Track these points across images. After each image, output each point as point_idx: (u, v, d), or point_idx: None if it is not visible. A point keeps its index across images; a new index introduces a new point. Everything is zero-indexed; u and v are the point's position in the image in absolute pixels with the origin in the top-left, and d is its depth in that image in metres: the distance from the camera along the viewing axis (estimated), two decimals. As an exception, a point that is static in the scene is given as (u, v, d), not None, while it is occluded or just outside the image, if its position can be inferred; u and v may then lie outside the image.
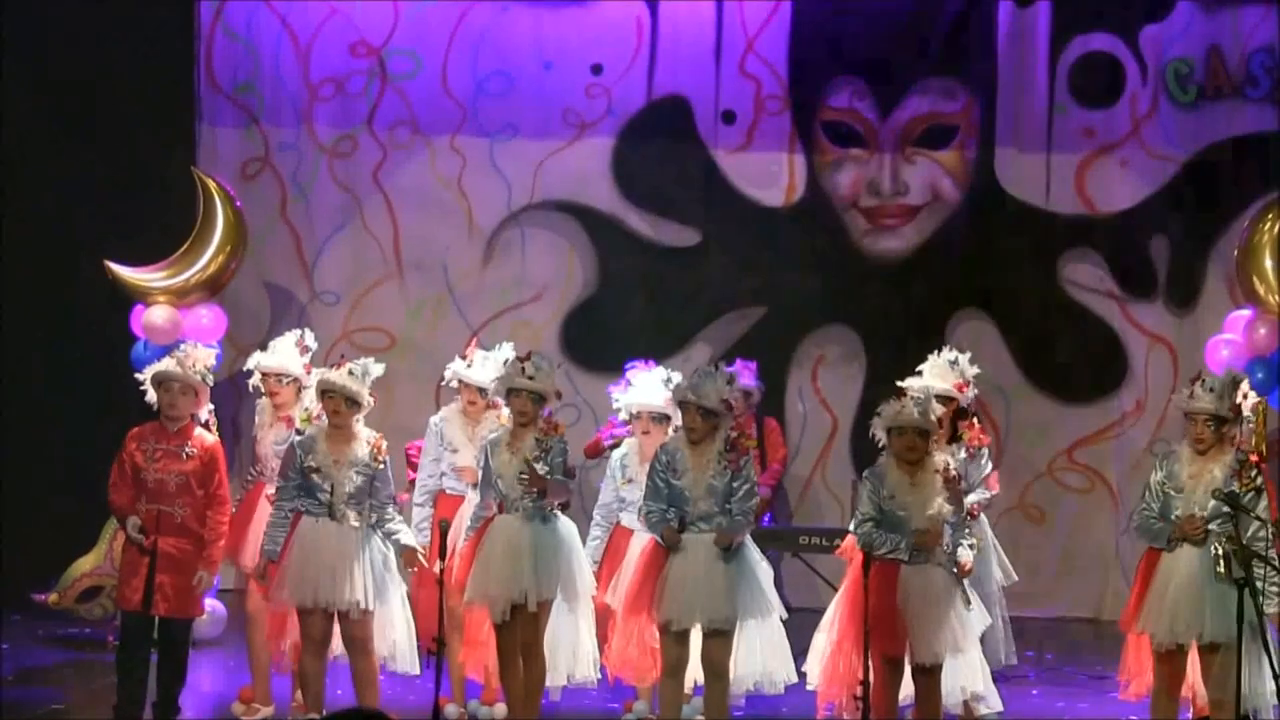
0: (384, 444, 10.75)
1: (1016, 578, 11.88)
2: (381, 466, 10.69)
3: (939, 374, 11.43)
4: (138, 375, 11.04)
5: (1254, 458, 10.20)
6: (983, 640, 10.71)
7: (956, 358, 11.47)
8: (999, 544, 11.82)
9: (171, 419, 10.75)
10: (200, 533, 10.69)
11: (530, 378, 10.58)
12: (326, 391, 10.68)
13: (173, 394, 10.73)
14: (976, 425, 11.61)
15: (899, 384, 11.10)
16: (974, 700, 10.83)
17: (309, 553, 10.60)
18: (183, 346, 11.26)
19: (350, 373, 10.67)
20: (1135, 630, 10.40)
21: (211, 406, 11.22)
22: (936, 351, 11.56)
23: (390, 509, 10.77)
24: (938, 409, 10.57)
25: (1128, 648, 10.57)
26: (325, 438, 10.69)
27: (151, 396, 10.83)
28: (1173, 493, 10.28)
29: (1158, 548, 10.33)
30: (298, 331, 11.55)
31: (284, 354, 11.41)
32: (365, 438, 10.72)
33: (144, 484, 10.65)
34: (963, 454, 11.40)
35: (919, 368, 11.51)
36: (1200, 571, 10.13)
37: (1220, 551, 10.04)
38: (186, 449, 10.71)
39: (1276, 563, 9.90)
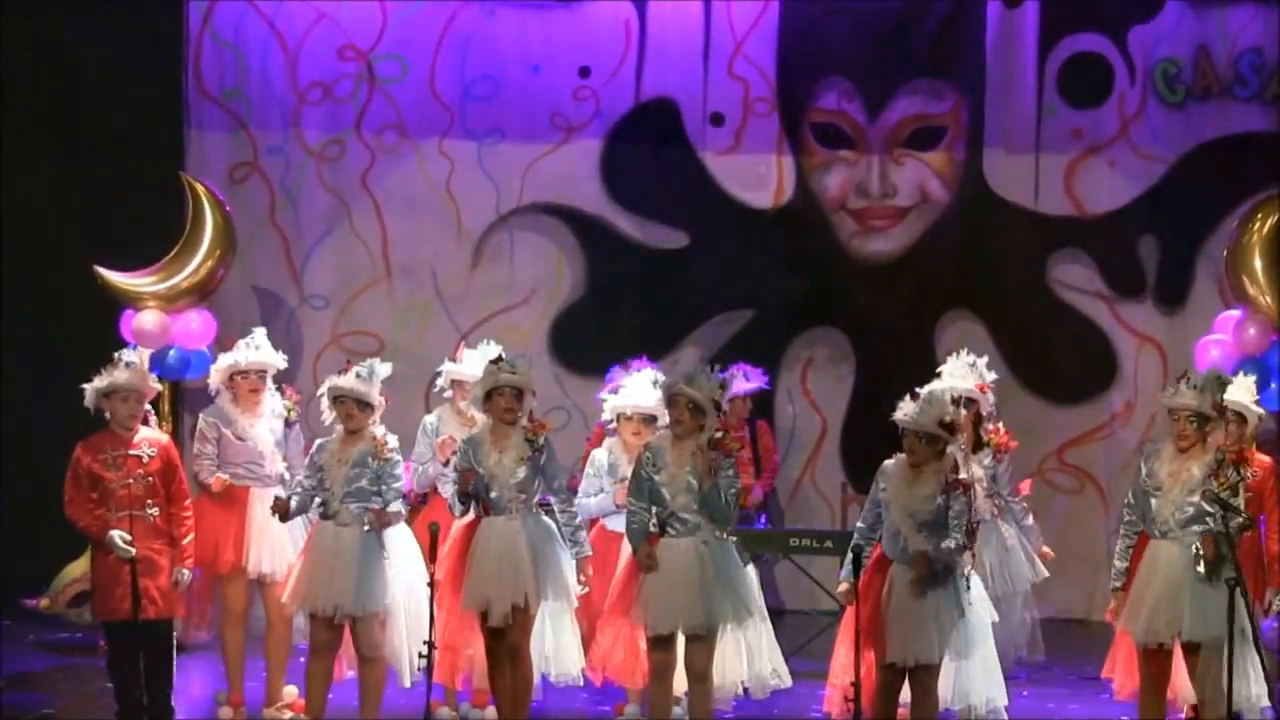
0: (389, 441, 10.74)
1: (1046, 574, 11.91)
2: (385, 464, 10.68)
3: (960, 375, 11.46)
4: (84, 387, 10.70)
5: (1232, 457, 10.15)
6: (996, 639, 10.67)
7: (974, 360, 11.53)
8: (1025, 542, 11.85)
9: (128, 427, 10.72)
10: (169, 531, 10.67)
11: (514, 372, 10.56)
12: (338, 397, 10.71)
13: (131, 404, 10.67)
14: (1003, 429, 11.61)
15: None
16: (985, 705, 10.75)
17: (313, 559, 10.67)
18: (131, 355, 11.09)
19: (358, 376, 10.70)
20: (1119, 627, 10.39)
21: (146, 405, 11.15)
22: (955, 354, 11.64)
23: (392, 496, 10.71)
24: (958, 412, 10.44)
25: (1116, 646, 10.59)
26: (339, 439, 10.75)
27: (90, 402, 10.64)
28: (1151, 490, 10.24)
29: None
30: (260, 330, 11.62)
31: (266, 351, 11.46)
32: (371, 436, 10.73)
33: (111, 493, 10.56)
34: (989, 459, 11.42)
35: (938, 369, 11.55)
36: (1180, 569, 10.08)
37: (1200, 551, 10.02)
38: (146, 450, 10.68)
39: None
